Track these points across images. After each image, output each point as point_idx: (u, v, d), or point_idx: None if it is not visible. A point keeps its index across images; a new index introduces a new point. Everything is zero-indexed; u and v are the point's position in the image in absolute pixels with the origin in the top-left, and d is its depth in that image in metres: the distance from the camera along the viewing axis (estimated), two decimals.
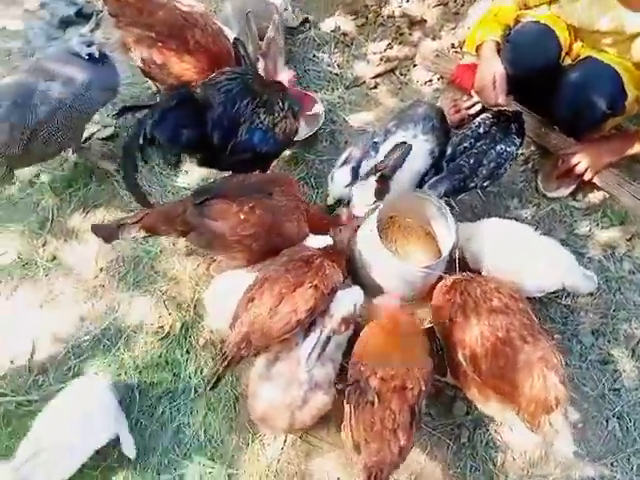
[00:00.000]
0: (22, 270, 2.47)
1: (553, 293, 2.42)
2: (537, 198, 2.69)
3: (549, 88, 2.38)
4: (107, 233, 2.06)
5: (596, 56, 2.31)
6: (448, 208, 2.09)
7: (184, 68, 2.32)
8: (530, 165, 2.77)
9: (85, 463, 1.92)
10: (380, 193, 2.20)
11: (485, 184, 2.31)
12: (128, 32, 2.41)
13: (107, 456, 2.05)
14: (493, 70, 2.28)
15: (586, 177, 2.57)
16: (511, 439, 2.14)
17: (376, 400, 1.67)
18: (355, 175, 2.32)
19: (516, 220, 2.43)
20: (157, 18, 2.34)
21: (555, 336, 2.36)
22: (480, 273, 2.22)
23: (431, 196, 2.11)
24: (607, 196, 2.68)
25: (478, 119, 2.35)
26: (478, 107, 2.64)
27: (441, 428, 2.17)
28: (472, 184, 2.28)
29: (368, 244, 2.10)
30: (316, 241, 2.11)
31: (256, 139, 2.15)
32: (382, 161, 2.21)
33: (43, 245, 2.53)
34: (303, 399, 1.89)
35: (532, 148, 2.81)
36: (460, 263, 2.23)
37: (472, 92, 2.62)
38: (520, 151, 2.73)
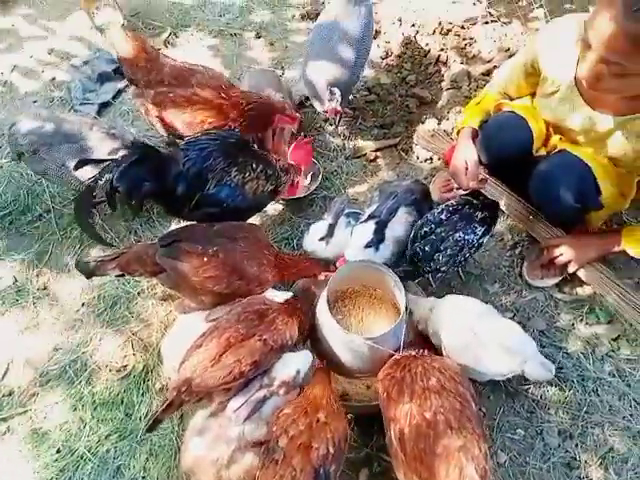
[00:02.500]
0: (15, 296, 2.65)
1: (521, 385, 2.34)
2: (520, 285, 2.63)
3: (523, 178, 2.39)
4: (88, 269, 2.20)
5: (570, 150, 2.28)
6: (401, 282, 2.09)
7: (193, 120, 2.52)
8: (517, 251, 2.72)
9: None
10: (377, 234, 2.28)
11: (443, 269, 2.29)
12: (146, 94, 2.62)
13: None
14: (465, 156, 2.32)
15: (569, 270, 2.51)
16: None
17: (281, 458, 1.66)
18: (331, 231, 2.40)
19: (494, 306, 2.35)
20: (165, 72, 2.57)
21: (517, 431, 2.28)
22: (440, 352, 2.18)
23: (386, 269, 2.12)
24: (597, 292, 2.57)
25: (442, 205, 2.36)
26: None
27: None
28: (427, 268, 2.28)
29: (321, 308, 2.13)
30: (274, 294, 2.16)
31: (223, 194, 2.28)
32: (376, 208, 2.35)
33: (37, 275, 2.71)
34: (230, 458, 1.86)
35: (523, 235, 2.77)
36: (416, 340, 2.24)
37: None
38: (497, 238, 2.75)
